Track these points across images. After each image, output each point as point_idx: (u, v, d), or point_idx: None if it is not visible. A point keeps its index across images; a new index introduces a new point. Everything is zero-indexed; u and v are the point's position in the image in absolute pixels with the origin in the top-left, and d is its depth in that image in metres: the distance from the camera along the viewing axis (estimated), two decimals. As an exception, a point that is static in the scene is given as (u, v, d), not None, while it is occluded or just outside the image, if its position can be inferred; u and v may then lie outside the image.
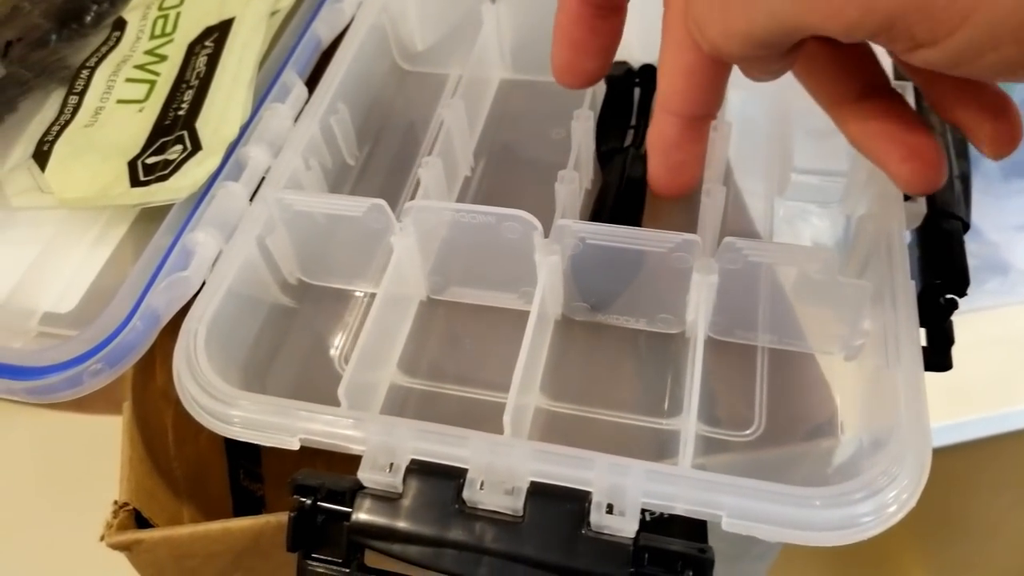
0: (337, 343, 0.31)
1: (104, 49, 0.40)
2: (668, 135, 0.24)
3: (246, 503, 0.38)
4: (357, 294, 0.32)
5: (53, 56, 0.41)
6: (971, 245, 0.52)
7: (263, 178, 0.32)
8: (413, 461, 0.23)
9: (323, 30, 0.38)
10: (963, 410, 0.50)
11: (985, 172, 0.50)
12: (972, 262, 0.51)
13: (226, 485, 0.37)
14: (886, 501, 0.21)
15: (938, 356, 0.27)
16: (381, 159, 0.38)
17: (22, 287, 0.32)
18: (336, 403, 0.25)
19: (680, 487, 0.22)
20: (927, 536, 0.75)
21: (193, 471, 0.33)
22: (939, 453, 0.53)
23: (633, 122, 0.35)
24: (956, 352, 0.49)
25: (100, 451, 0.46)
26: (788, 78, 0.35)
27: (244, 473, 0.39)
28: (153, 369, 0.33)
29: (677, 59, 0.23)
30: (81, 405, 0.48)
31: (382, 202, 0.28)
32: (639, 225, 0.32)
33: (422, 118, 0.40)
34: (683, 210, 0.31)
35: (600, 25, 0.26)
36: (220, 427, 0.25)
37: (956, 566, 0.75)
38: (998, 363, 0.51)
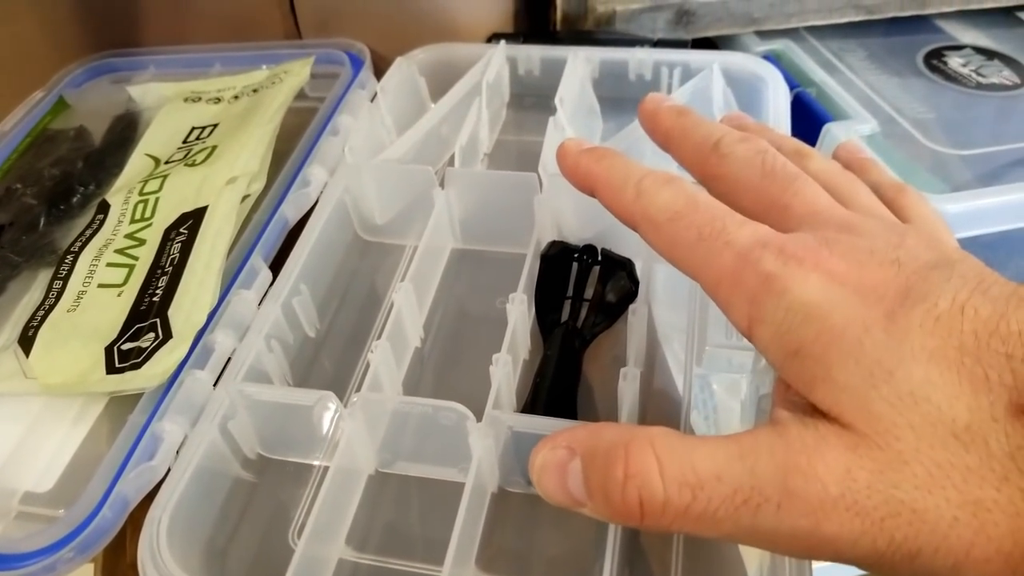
0: (293, 515, 0.34)
1: (88, 232, 0.43)
2: None
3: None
4: (313, 466, 0.35)
5: (42, 240, 0.44)
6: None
7: (229, 358, 0.35)
8: (353, 646, 0.26)
9: (290, 212, 0.42)
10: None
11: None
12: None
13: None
14: None
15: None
16: (342, 325, 0.41)
17: (7, 468, 0.35)
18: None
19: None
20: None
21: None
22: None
23: (569, 293, 0.39)
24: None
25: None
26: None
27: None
28: (124, 544, 0.35)
29: None
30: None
31: (330, 394, 0.31)
32: (575, 395, 0.35)
33: (382, 283, 0.43)
34: (615, 379, 0.34)
35: None
36: (184, 615, 0.28)
37: None
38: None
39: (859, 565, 0.20)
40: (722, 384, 0.35)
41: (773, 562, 0.28)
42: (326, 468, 0.35)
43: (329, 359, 0.40)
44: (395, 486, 0.34)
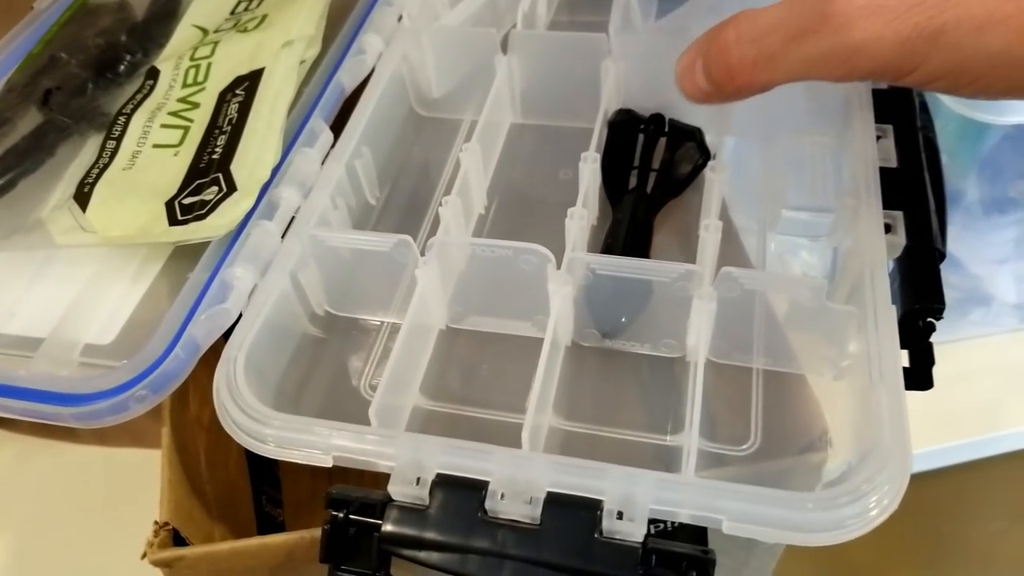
0: (361, 370, 0.33)
1: (139, 96, 0.42)
2: None
3: (268, 527, 0.40)
4: (379, 324, 0.35)
5: (91, 103, 0.43)
6: (954, 278, 0.55)
7: (293, 217, 0.34)
8: (439, 475, 0.25)
9: (346, 79, 0.41)
10: (951, 435, 0.52)
11: (967, 208, 0.52)
12: (956, 294, 0.54)
13: (251, 509, 0.39)
14: (869, 505, 0.23)
15: (920, 375, 0.29)
16: (400, 198, 0.40)
17: (66, 320, 0.34)
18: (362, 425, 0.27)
19: (685, 494, 0.24)
20: (921, 558, 0.76)
21: (224, 495, 0.35)
22: (930, 476, 0.55)
23: (636, 163, 0.38)
24: (943, 380, 0.51)
25: (127, 479, 0.48)
26: (780, 125, 0.38)
27: (266, 499, 0.41)
28: (187, 398, 0.35)
29: None
30: (105, 438, 0.51)
31: (408, 238, 0.31)
32: (647, 259, 0.34)
33: (437, 160, 0.42)
34: (684, 245, 0.33)
35: None
36: (258, 446, 0.27)
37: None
38: (983, 390, 0.53)
39: (890, 69, 0.23)
40: (798, 249, 0.35)
41: (860, 406, 0.28)
42: (393, 325, 0.35)
43: (390, 229, 0.39)
44: (466, 340, 0.33)
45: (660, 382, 0.31)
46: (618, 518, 0.24)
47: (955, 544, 0.78)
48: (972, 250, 0.52)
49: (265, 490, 0.40)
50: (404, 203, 0.40)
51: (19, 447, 0.53)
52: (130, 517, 0.48)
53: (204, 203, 0.35)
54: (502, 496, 0.25)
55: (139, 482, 0.51)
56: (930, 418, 0.53)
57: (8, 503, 0.51)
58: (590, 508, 0.24)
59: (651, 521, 0.28)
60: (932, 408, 0.53)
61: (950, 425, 0.53)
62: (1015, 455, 0.56)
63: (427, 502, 0.25)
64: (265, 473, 0.41)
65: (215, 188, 0.35)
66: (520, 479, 0.25)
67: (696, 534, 0.27)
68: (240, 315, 0.31)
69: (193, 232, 0.34)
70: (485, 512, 0.25)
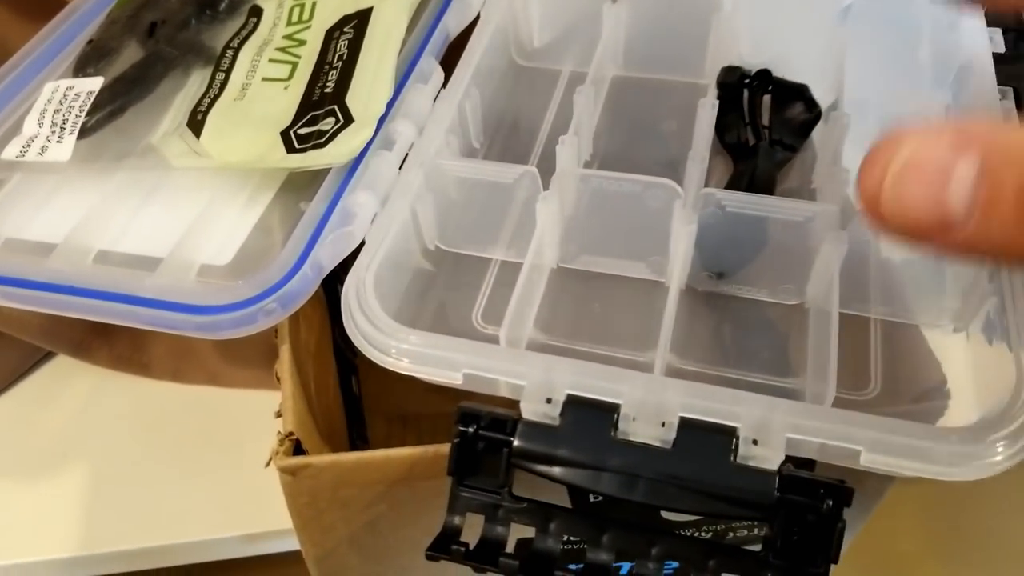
0: (471, 305, 0.34)
1: (244, 33, 0.43)
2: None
3: (361, 458, 0.40)
4: (488, 260, 0.35)
5: (195, 37, 0.44)
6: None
7: (407, 153, 0.35)
8: (569, 395, 0.26)
9: (452, 23, 0.41)
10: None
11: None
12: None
13: (346, 440, 0.39)
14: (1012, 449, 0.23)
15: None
16: (500, 144, 0.41)
17: (183, 241, 0.35)
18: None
19: (822, 421, 0.24)
20: (961, 551, 0.77)
21: (326, 421, 0.36)
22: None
23: (747, 120, 0.38)
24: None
25: (200, 416, 0.50)
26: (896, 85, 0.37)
27: (356, 435, 0.42)
28: (298, 324, 0.35)
29: None
30: (179, 375, 0.52)
31: (533, 169, 0.31)
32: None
33: (535, 109, 0.43)
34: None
35: None
36: (387, 360, 0.27)
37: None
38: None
39: None
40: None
41: (974, 361, 0.28)
42: (502, 263, 0.35)
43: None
44: (577, 280, 0.34)
45: (778, 327, 0.31)
46: (754, 444, 0.24)
47: (997, 540, 0.78)
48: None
49: (356, 427, 0.41)
50: (505, 149, 0.40)
51: (95, 379, 0.54)
52: (201, 452, 0.50)
53: (322, 132, 0.35)
54: (634, 419, 0.25)
55: (210, 419, 0.52)
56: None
57: (83, 433, 0.52)
58: (725, 434, 0.25)
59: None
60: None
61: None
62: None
63: (558, 421, 0.26)
64: (356, 413, 0.42)
65: (332, 119, 0.35)
66: (652, 403, 0.25)
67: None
68: (362, 241, 0.31)
69: (313, 159, 0.34)
70: (617, 433, 0.25)
